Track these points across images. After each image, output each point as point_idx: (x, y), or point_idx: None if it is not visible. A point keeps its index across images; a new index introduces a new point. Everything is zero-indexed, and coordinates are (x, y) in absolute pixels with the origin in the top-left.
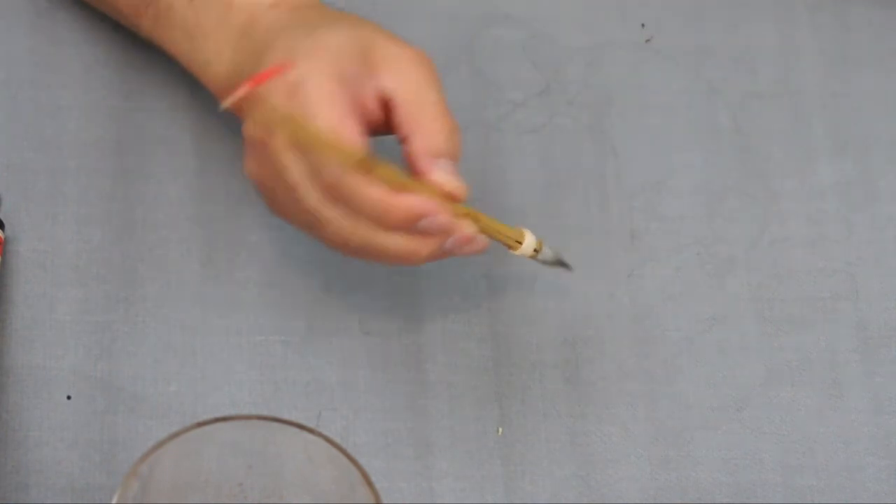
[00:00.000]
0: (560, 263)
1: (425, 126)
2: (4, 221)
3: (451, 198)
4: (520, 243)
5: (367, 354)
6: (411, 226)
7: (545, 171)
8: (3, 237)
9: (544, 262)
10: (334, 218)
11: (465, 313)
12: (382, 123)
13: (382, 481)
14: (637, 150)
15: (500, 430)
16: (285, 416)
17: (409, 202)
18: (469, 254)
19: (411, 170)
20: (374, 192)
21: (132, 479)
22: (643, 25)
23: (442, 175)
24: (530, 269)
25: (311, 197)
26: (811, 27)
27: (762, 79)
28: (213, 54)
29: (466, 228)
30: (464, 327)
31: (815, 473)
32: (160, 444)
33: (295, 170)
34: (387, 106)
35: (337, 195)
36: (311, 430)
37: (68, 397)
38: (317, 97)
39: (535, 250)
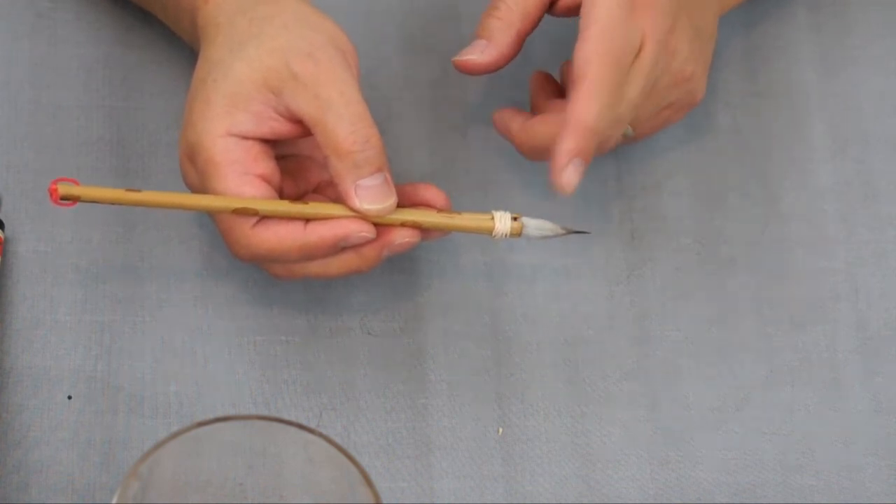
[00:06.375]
0: (570, 231)
1: (337, 147)
2: (4, 221)
3: (372, 213)
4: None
5: (367, 354)
6: (336, 248)
7: (545, 171)
8: (3, 237)
9: (556, 235)
10: (268, 265)
11: (465, 313)
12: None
13: (382, 481)
14: (637, 150)
15: (500, 430)
16: (286, 416)
17: (318, 233)
18: (405, 250)
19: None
20: (271, 237)
21: (132, 479)
22: None
23: (364, 202)
24: (530, 269)
25: (240, 254)
26: (811, 27)
27: (762, 79)
28: (174, 18)
29: (398, 238)
30: (464, 327)
31: (814, 473)
32: (160, 444)
33: (220, 229)
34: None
35: (249, 253)
36: (311, 430)
37: (68, 397)
38: (208, 158)
39: (516, 227)
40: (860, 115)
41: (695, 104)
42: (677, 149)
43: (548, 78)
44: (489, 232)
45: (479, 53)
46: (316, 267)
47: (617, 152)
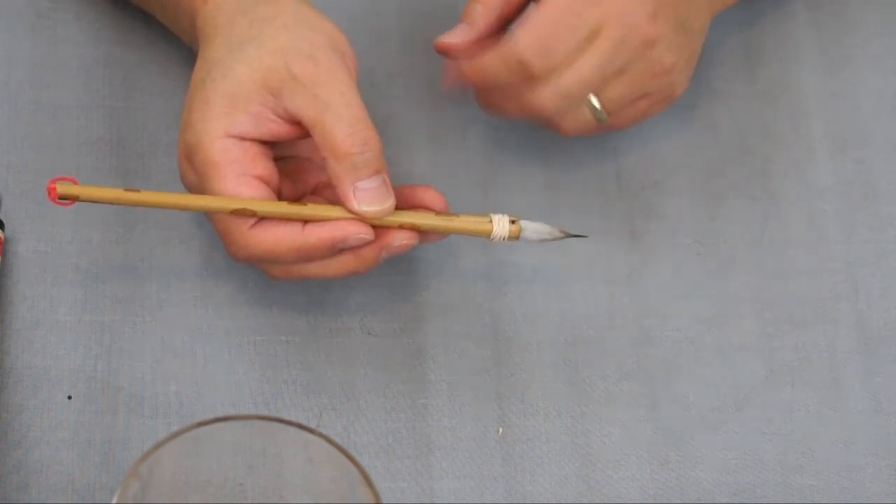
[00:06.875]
0: (568, 234)
1: (336, 149)
2: (4, 221)
3: (372, 215)
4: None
5: (367, 354)
6: (334, 250)
7: (545, 171)
8: (3, 237)
9: (554, 238)
10: (266, 266)
11: (465, 313)
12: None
13: (382, 481)
14: (637, 150)
15: (500, 430)
16: (286, 416)
17: (316, 235)
18: (403, 252)
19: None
20: (268, 238)
21: (132, 479)
22: None
23: (362, 204)
24: (530, 269)
25: (237, 255)
26: (811, 27)
27: (761, 78)
28: (173, 18)
29: (396, 240)
30: (464, 327)
31: (814, 473)
32: (160, 444)
33: (217, 229)
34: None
35: (246, 254)
36: (311, 430)
37: (68, 397)
38: (206, 158)
39: (514, 230)
40: (859, 114)
41: (674, 98)
42: (677, 148)
43: None
44: (487, 235)
45: (458, 37)
46: (314, 268)
47: (616, 152)
